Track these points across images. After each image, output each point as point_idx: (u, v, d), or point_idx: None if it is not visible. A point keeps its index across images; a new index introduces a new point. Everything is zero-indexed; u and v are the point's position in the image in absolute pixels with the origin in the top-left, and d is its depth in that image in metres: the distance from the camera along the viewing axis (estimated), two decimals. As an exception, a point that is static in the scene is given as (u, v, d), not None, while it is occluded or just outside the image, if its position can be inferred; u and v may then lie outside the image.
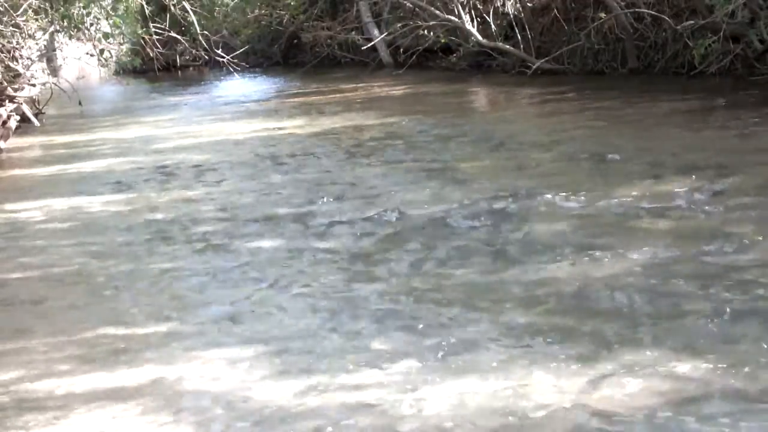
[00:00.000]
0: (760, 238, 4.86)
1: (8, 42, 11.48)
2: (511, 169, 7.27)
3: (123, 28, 11.96)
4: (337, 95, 13.53)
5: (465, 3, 14.93)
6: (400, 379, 3.51)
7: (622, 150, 7.49)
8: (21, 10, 10.84)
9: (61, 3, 11.30)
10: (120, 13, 11.87)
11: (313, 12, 18.23)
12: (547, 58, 13.42)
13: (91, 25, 12.05)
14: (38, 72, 13.89)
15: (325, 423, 3.21)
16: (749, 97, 9.90)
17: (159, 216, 6.50)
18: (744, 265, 4.53)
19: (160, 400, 3.48)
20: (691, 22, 11.69)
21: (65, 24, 11.80)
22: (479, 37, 14.43)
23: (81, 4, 11.35)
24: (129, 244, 5.79)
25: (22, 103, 12.00)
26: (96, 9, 11.63)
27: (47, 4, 11.29)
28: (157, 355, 3.91)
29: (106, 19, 11.94)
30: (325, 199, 6.59)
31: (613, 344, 3.69)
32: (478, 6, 15.23)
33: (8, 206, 7.14)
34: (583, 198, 5.98)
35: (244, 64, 13.88)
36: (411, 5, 15.66)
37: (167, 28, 12.60)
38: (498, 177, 6.97)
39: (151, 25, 12.36)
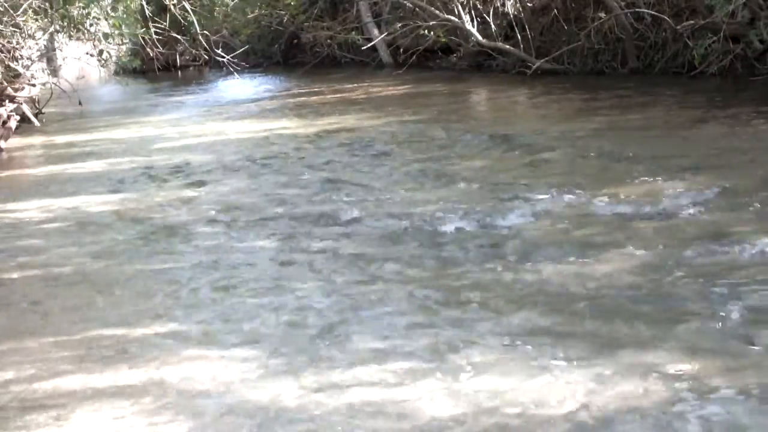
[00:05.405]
0: (761, 238, 4.86)
1: (8, 42, 11.47)
2: (511, 169, 7.27)
3: (123, 28, 11.94)
4: (337, 95, 13.53)
5: (465, 3, 14.92)
6: (399, 378, 3.52)
7: (623, 149, 7.50)
8: (21, 10, 10.82)
9: (61, 3, 11.28)
10: (120, 13, 11.85)
11: (313, 12, 18.23)
12: (547, 58, 13.42)
13: (91, 25, 12.03)
14: (38, 72, 13.88)
15: (326, 423, 3.22)
16: (749, 97, 9.90)
17: (158, 216, 6.50)
18: (744, 264, 4.53)
19: (160, 400, 3.48)
20: (691, 22, 11.70)
21: (65, 24, 11.79)
22: (479, 37, 14.43)
23: (81, 4, 11.33)
24: (128, 243, 5.79)
25: (22, 103, 11.99)
26: (96, 9, 11.61)
27: (47, 4, 11.27)
28: (156, 355, 3.91)
29: (106, 19, 11.92)
30: (324, 200, 6.60)
31: (613, 344, 3.69)
32: (478, 6, 15.22)
33: (8, 206, 7.15)
34: (583, 197, 5.99)
35: (244, 64, 13.84)
36: (411, 5, 15.66)
37: (167, 28, 12.58)
38: (498, 176, 6.98)
39: (151, 25, 12.34)
